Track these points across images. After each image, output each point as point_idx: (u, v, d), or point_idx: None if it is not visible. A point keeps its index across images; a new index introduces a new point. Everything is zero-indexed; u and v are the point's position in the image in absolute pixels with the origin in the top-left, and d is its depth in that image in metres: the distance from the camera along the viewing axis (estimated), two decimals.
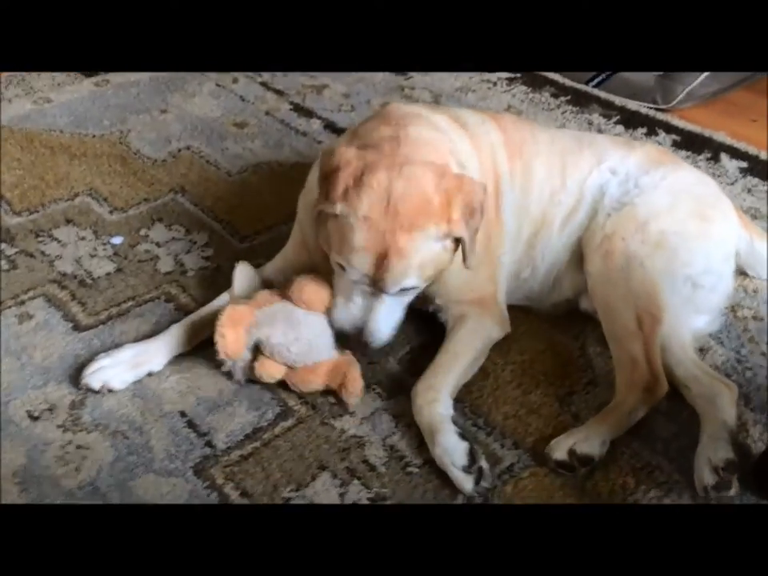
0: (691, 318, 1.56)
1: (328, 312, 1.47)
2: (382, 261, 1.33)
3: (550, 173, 1.63)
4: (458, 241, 1.38)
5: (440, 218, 1.34)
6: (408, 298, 1.44)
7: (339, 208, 1.34)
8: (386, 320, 1.42)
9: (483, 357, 1.56)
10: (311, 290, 1.47)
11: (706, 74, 2.53)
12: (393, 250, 1.32)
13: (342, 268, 1.38)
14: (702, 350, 1.60)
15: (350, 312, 1.42)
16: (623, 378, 1.46)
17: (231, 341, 1.44)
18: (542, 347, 1.63)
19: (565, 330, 1.67)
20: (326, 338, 1.47)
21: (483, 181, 1.50)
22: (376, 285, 1.37)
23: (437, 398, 1.42)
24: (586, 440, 1.37)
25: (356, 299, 1.41)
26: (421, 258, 1.35)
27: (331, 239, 1.38)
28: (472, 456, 1.34)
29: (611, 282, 1.52)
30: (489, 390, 1.53)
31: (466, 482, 1.32)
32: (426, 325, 1.63)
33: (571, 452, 1.36)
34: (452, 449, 1.35)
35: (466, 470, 1.33)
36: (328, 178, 1.38)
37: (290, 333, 1.44)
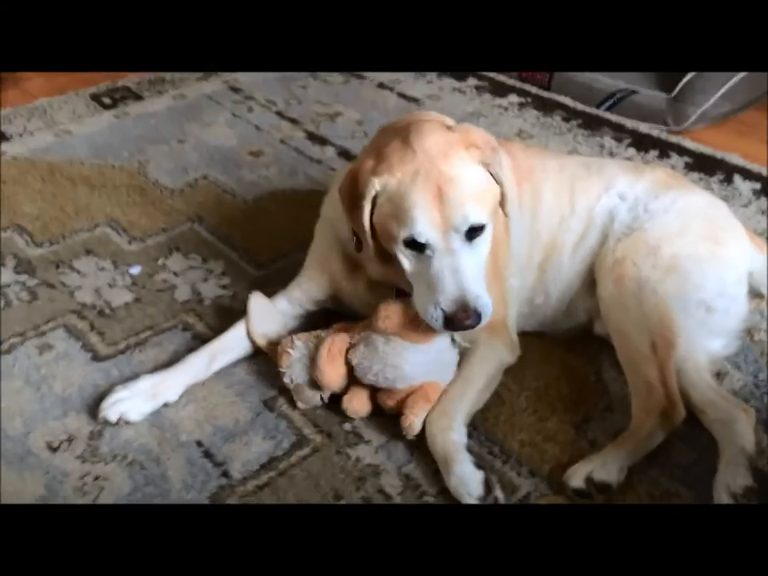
0: (706, 341, 1.55)
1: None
2: (439, 200, 1.33)
3: (558, 199, 1.64)
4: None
5: (467, 144, 1.38)
6: (481, 246, 1.39)
7: (376, 184, 1.36)
8: (473, 275, 1.37)
9: (496, 382, 1.56)
10: (399, 312, 1.45)
11: (717, 95, 2.53)
12: (442, 180, 1.33)
13: (409, 244, 1.36)
14: (718, 375, 1.58)
15: (445, 290, 1.35)
16: (639, 404, 1.45)
17: (330, 373, 1.46)
18: (557, 373, 1.63)
19: (579, 355, 1.67)
20: (430, 368, 1.48)
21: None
22: (446, 229, 1.34)
23: (451, 425, 1.42)
24: (603, 467, 1.37)
25: (441, 273, 1.35)
26: (470, 182, 1.36)
27: (384, 224, 1.37)
28: (487, 486, 1.33)
29: (624, 306, 1.52)
30: (504, 417, 1.53)
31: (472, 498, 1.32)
32: None
33: (588, 479, 1.35)
34: (467, 478, 1.34)
35: (482, 500, 1.32)
36: (352, 181, 1.41)
37: (388, 360, 1.45)
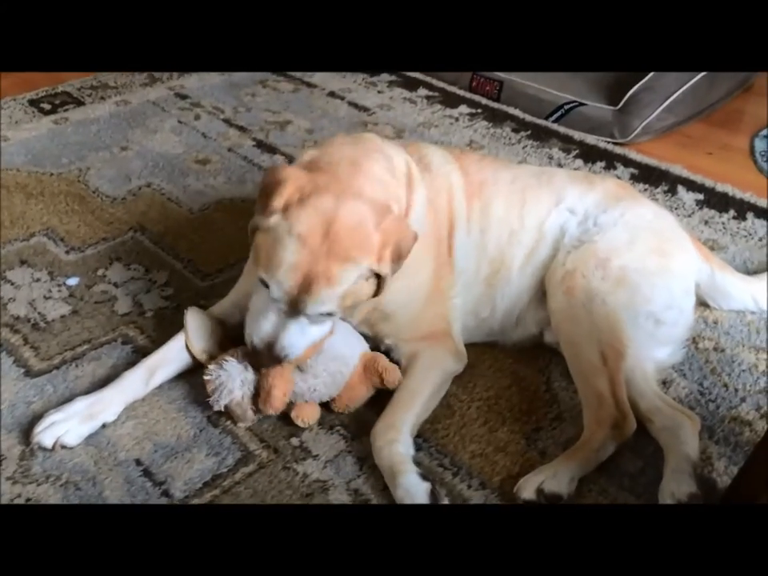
0: (654, 351, 1.57)
1: None
2: (307, 283, 1.31)
3: (508, 213, 1.64)
4: (378, 277, 1.38)
5: (375, 256, 1.33)
6: (319, 324, 1.40)
7: (275, 220, 1.32)
8: (297, 339, 1.38)
9: (443, 391, 1.55)
10: None
11: (661, 108, 2.59)
12: (322, 275, 1.30)
13: (265, 285, 1.35)
14: (664, 383, 1.60)
15: (262, 328, 1.37)
16: (591, 415, 1.45)
17: (278, 397, 1.44)
18: (508, 383, 1.62)
19: (529, 364, 1.67)
20: (343, 352, 1.49)
21: (431, 225, 1.54)
22: (295, 305, 1.33)
23: (396, 437, 1.40)
24: (554, 478, 1.36)
25: (270, 316, 1.37)
26: (346, 288, 1.33)
27: (260, 253, 1.35)
28: (434, 496, 1.31)
29: (574, 318, 1.53)
30: (455, 428, 1.51)
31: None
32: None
33: (539, 491, 1.34)
34: (413, 490, 1.32)
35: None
36: (268, 191, 1.35)
37: (308, 377, 1.47)
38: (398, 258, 1.38)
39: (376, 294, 1.40)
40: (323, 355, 1.46)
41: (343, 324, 1.51)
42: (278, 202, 1.33)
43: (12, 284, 1.84)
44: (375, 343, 1.57)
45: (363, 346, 1.54)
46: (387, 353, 1.57)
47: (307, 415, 1.48)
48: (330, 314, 1.38)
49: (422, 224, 1.51)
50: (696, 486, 1.32)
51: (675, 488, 1.32)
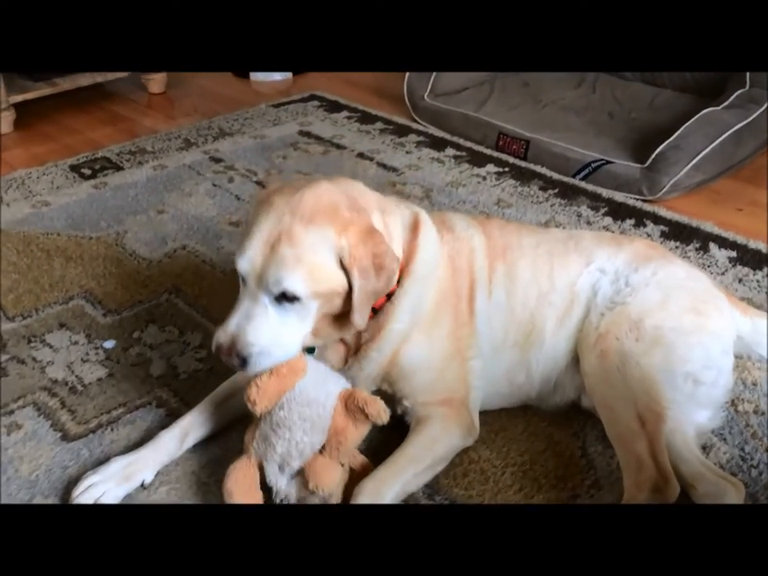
0: (693, 413, 1.53)
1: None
2: (270, 248, 1.31)
3: (536, 275, 1.63)
4: (350, 289, 1.34)
5: (341, 227, 1.32)
6: (290, 313, 1.34)
7: (250, 207, 1.38)
8: (260, 328, 1.33)
9: (442, 464, 1.51)
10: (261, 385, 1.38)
11: (690, 165, 2.59)
12: (284, 235, 1.31)
13: (241, 279, 1.36)
14: (704, 448, 1.56)
15: (229, 321, 1.35)
16: (630, 479, 1.42)
17: (241, 498, 1.37)
18: (542, 447, 1.59)
19: (564, 428, 1.64)
20: (315, 396, 1.40)
21: (450, 281, 1.54)
22: (261, 280, 1.32)
23: (386, 499, 1.37)
24: None
25: (239, 308, 1.35)
26: (311, 258, 1.31)
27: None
28: None
29: (608, 381, 1.51)
30: (489, 494, 1.48)
31: None
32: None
33: None
34: None
35: None
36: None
37: (284, 432, 1.39)
38: (378, 270, 1.35)
39: (346, 306, 1.35)
40: (294, 403, 1.39)
41: (314, 365, 1.44)
42: (256, 198, 1.40)
43: (51, 347, 1.88)
44: (393, 405, 1.53)
45: (338, 385, 1.44)
46: (402, 416, 1.54)
47: (324, 480, 1.37)
48: (296, 298, 1.32)
49: (432, 270, 1.52)
50: None
51: None
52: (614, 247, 1.69)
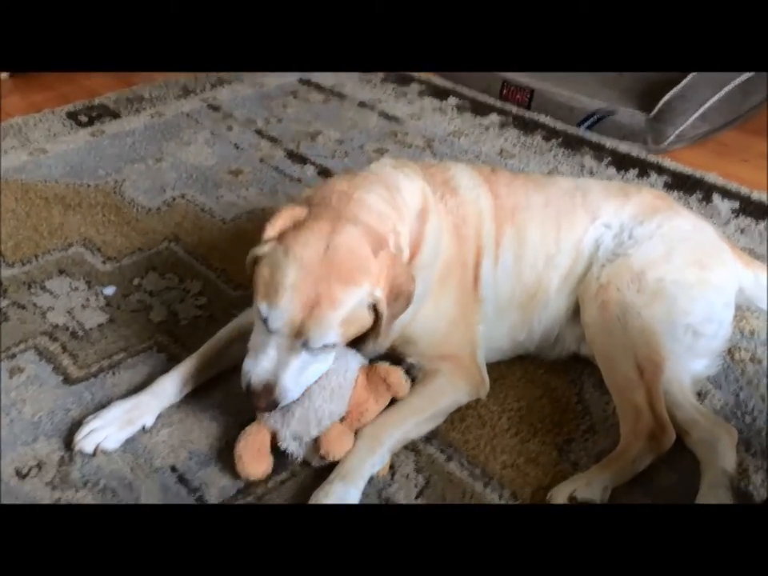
0: (691, 363, 1.55)
1: None
2: (310, 309, 1.27)
3: (544, 238, 1.61)
4: (376, 314, 1.34)
5: (375, 279, 1.31)
6: (321, 358, 1.36)
7: (271, 246, 1.32)
8: (298, 377, 1.34)
9: (443, 417, 1.52)
10: None
11: (695, 115, 2.56)
12: (325, 298, 1.26)
13: (264, 319, 1.30)
14: (700, 395, 1.58)
15: (261, 366, 1.32)
16: (628, 427, 1.44)
17: (255, 467, 1.39)
18: (539, 393, 1.61)
19: (561, 375, 1.65)
20: (336, 366, 1.42)
21: (455, 251, 1.52)
22: (299, 335, 1.29)
23: (375, 450, 1.39)
24: (587, 486, 1.35)
25: (270, 352, 1.31)
26: (350, 313, 1.30)
27: (259, 284, 1.32)
28: None
29: (608, 332, 1.51)
30: (486, 439, 1.50)
31: None
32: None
33: (572, 498, 1.33)
34: (339, 501, 1.30)
35: None
36: (266, 223, 1.36)
37: (305, 401, 1.39)
38: (396, 297, 1.35)
39: (374, 329, 1.36)
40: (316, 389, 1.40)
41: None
42: (272, 231, 1.33)
43: (51, 293, 1.88)
44: (396, 361, 1.55)
45: (357, 359, 1.47)
46: (408, 371, 1.54)
47: (336, 448, 1.39)
48: (332, 346, 1.33)
49: (437, 254, 1.50)
50: (733, 500, 1.30)
51: (713, 501, 1.30)
52: (621, 199, 1.67)
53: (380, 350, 1.51)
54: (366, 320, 1.35)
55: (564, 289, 1.62)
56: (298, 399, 1.38)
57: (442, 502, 1.37)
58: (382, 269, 1.32)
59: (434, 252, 1.50)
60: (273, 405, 1.35)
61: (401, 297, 1.37)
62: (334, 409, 1.41)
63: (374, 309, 1.34)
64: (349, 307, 1.29)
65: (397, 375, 1.45)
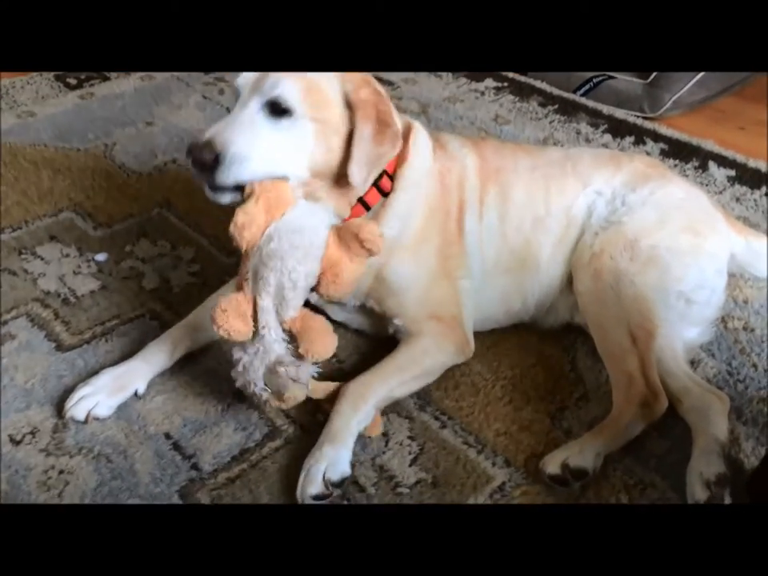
0: (684, 331, 1.56)
1: None
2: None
3: (531, 200, 1.61)
4: (349, 139, 1.34)
5: (347, 76, 1.36)
6: (282, 130, 1.31)
7: None
8: (242, 130, 1.30)
9: (431, 377, 1.52)
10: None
11: (692, 81, 2.53)
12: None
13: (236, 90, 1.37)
14: (692, 363, 1.58)
15: (213, 126, 1.33)
16: (620, 394, 1.45)
17: (234, 318, 1.30)
18: (533, 361, 1.61)
19: (555, 344, 1.66)
20: (307, 223, 1.34)
21: (438, 197, 1.53)
22: (255, 86, 1.32)
23: (360, 408, 1.39)
24: (579, 453, 1.36)
25: (227, 118, 1.35)
26: (313, 77, 1.33)
27: None
28: (336, 486, 1.30)
29: (602, 300, 1.51)
30: (479, 406, 1.51)
31: (313, 488, 1.28)
32: None
33: (564, 465, 1.34)
34: (332, 467, 1.31)
35: (319, 494, 1.28)
36: None
37: (276, 262, 1.30)
38: (382, 126, 1.36)
39: (343, 168, 1.34)
40: (284, 231, 1.30)
41: (303, 200, 1.38)
42: None
43: (42, 259, 1.86)
44: (383, 324, 1.56)
45: (329, 216, 1.38)
46: (395, 336, 1.54)
47: (317, 346, 1.31)
48: (289, 112, 1.30)
49: (424, 178, 1.51)
50: (724, 467, 1.31)
51: (704, 468, 1.31)
52: (612, 168, 1.66)
53: (357, 289, 1.46)
54: (336, 106, 1.35)
55: (557, 256, 1.61)
56: (269, 265, 1.30)
57: (436, 469, 1.38)
58: (360, 80, 1.37)
59: (420, 171, 1.50)
60: (213, 157, 1.29)
61: (387, 130, 1.37)
62: (308, 269, 1.32)
63: (349, 107, 1.34)
64: (314, 77, 1.32)
65: (369, 228, 1.33)
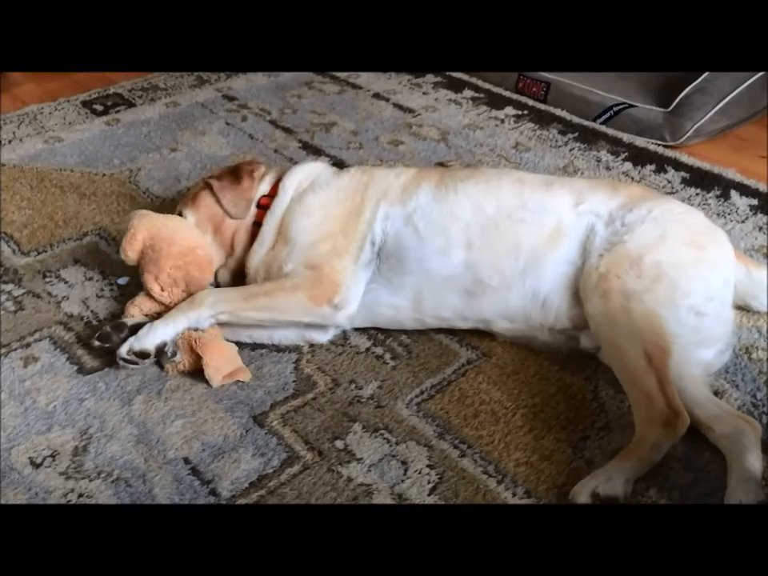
0: (699, 349, 1.54)
1: None
2: None
3: (491, 189, 1.67)
4: None
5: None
6: None
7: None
8: None
9: (280, 316, 1.62)
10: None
11: (714, 110, 2.52)
12: None
13: None
14: (716, 394, 1.56)
15: None
16: (641, 415, 1.43)
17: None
18: (553, 390, 1.60)
19: (576, 372, 1.64)
20: None
21: (343, 188, 1.72)
22: None
23: (195, 306, 1.60)
24: (609, 481, 1.34)
25: None
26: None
27: None
28: (157, 351, 1.57)
29: (613, 321, 1.50)
30: (499, 435, 1.50)
31: (122, 348, 1.57)
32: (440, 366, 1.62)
33: (595, 495, 1.32)
34: (143, 335, 1.58)
35: (134, 355, 1.56)
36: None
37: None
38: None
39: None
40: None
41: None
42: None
43: (66, 282, 1.89)
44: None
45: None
46: None
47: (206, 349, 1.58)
48: None
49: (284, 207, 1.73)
50: (763, 494, 1.28)
51: (743, 496, 1.29)
52: (609, 191, 1.68)
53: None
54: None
55: (547, 255, 1.60)
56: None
57: (455, 499, 1.37)
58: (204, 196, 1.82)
59: (285, 201, 1.74)
60: None
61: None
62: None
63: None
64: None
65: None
